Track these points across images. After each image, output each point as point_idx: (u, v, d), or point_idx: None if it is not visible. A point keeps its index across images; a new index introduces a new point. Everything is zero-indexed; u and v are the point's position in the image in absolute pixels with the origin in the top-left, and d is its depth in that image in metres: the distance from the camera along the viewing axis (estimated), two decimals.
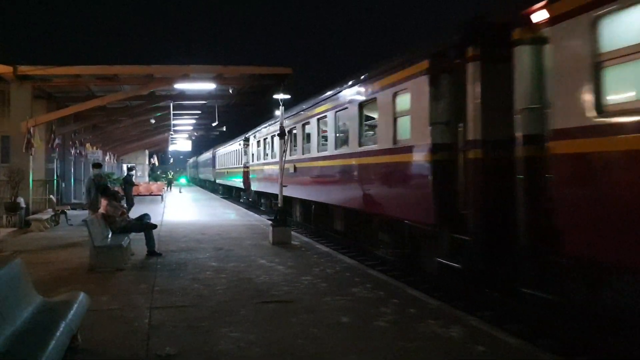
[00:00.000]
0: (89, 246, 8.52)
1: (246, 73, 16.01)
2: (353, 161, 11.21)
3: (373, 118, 10.76)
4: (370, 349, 4.76)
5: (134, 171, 37.60)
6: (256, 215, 19.92)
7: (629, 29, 4.79)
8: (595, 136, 4.97)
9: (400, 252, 9.77)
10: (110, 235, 9.31)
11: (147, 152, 51.71)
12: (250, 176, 26.16)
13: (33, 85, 15.64)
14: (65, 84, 16.60)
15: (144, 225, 10.01)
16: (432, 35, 9.11)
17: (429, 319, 5.66)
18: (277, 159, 15.73)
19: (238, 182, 30.81)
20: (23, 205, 14.78)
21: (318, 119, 13.85)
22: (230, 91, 17.06)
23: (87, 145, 25.19)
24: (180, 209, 23.08)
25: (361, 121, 10.91)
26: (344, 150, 11.91)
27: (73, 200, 21.70)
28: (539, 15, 5.81)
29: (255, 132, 25.06)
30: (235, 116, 26.23)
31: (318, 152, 13.87)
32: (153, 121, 24.70)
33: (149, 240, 9.80)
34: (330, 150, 12.82)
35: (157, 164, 52.99)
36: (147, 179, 47.32)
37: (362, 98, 10.74)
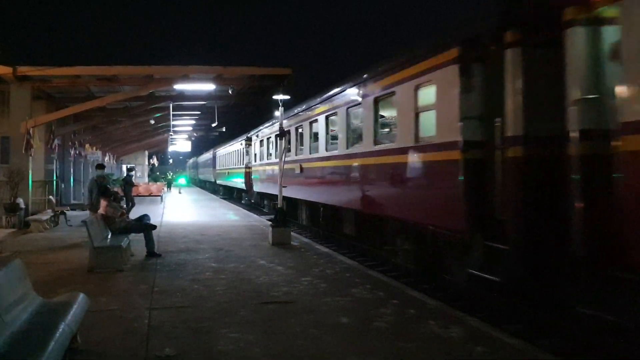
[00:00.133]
0: (88, 247, 8.51)
1: (246, 74, 16.04)
2: (367, 160, 10.37)
3: (390, 114, 10.09)
4: (369, 350, 4.76)
5: (133, 172, 37.61)
6: (256, 216, 19.91)
7: None
8: None
9: (421, 260, 8.95)
10: (109, 236, 9.32)
11: (146, 152, 51.74)
12: (253, 177, 25.61)
13: (32, 85, 15.68)
14: (64, 84, 16.62)
15: (144, 226, 10.01)
16: (459, 20, 7.92)
17: (428, 320, 5.65)
18: None
19: (239, 182, 30.21)
20: (22, 206, 14.82)
21: (327, 116, 13.06)
22: (230, 92, 17.07)
23: (87, 145, 25.20)
24: (179, 209, 23.07)
25: (377, 117, 10.12)
26: (357, 149, 11.04)
27: (72, 201, 21.68)
28: None
29: (258, 131, 24.06)
30: (235, 117, 26.21)
31: (327, 151, 13.03)
32: (153, 122, 24.71)
33: (149, 241, 9.80)
34: (342, 149, 11.91)
35: (156, 164, 52.96)
36: (146, 179, 47.30)
37: (378, 92, 9.91)
